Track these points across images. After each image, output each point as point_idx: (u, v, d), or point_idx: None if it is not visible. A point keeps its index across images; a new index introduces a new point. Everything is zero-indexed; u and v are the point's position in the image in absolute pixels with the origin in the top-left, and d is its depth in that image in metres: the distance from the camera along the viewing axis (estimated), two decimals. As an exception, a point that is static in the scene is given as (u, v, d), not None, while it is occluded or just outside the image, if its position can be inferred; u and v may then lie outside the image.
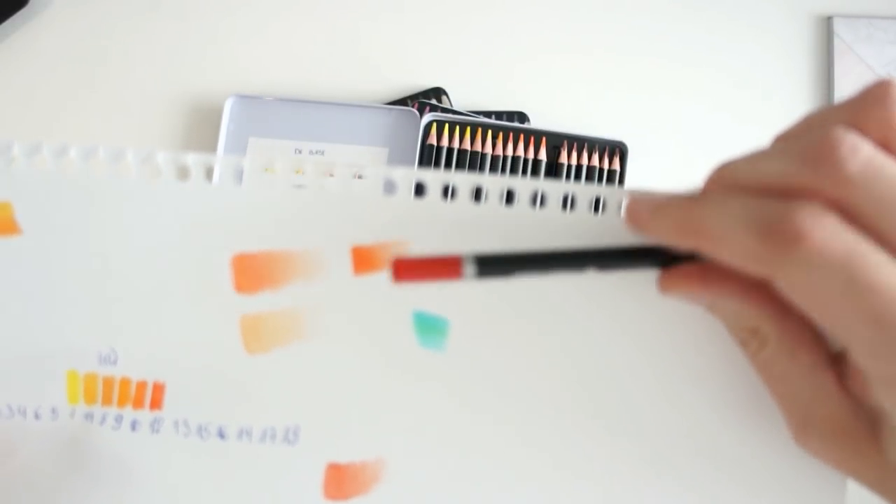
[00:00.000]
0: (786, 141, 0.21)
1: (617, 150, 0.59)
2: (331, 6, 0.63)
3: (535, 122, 0.61)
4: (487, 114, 0.60)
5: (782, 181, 0.19)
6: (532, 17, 0.64)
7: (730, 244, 0.20)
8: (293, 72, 0.63)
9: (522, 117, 0.61)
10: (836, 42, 0.63)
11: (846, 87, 0.63)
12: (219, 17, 0.63)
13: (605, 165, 0.58)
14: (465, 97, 0.62)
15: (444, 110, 0.60)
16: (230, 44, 0.63)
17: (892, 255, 0.18)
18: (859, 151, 0.18)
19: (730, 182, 0.21)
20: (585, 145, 0.59)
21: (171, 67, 0.63)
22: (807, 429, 0.22)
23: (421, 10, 0.63)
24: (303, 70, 0.63)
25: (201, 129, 0.62)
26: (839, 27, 0.63)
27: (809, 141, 0.19)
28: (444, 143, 0.58)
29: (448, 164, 0.58)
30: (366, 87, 0.63)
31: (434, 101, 0.60)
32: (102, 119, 0.62)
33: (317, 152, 0.60)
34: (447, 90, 0.62)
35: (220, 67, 0.63)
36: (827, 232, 0.18)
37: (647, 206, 0.22)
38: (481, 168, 0.58)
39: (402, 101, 0.61)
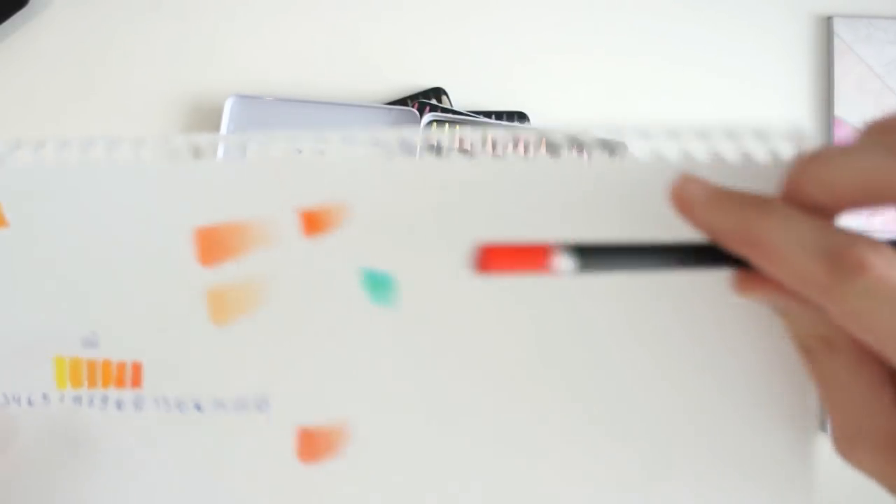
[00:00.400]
0: (880, 134, 0.20)
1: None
2: (331, 6, 0.63)
3: (536, 123, 0.61)
4: (487, 114, 0.60)
5: (876, 177, 0.19)
6: (532, 17, 0.64)
7: (789, 265, 0.19)
8: (293, 72, 0.63)
9: (522, 117, 0.61)
10: (836, 42, 0.63)
11: (846, 86, 0.63)
12: (219, 17, 0.63)
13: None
14: (465, 97, 0.62)
15: (445, 110, 0.59)
16: (230, 44, 0.63)
17: None
18: None
19: (822, 178, 0.20)
20: (585, 144, 0.58)
21: (172, 67, 0.63)
22: (856, 440, 0.21)
23: (421, 10, 0.63)
24: (303, 70, 0.63)
25: (201, 129, 0.62)
26: (839, 27, 0.63)
27: None
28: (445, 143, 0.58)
29: (448, 164, 0.58)
30: (366, 87, 0.63)
31: (434, 101, 0.60)
32: (102, 119, 0.62)
33: (317, 153, 0.60)
34: (447, 90, 0.62)
35: (220, 67, 0.63)
36: (887, 262, 0.18)
37: (703, 194, 0.21)
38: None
39: (402, 101, 0.61)
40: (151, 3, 0.63)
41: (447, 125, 0.59)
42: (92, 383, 0.26)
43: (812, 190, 0.20)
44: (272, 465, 0.26)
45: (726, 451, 0.25)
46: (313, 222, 0.25)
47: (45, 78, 0.62)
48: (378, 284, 0.25)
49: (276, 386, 0.26)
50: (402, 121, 0.59)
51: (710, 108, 0.64)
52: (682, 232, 0.21)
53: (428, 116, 0.58)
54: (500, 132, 0.25)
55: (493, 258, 0.19)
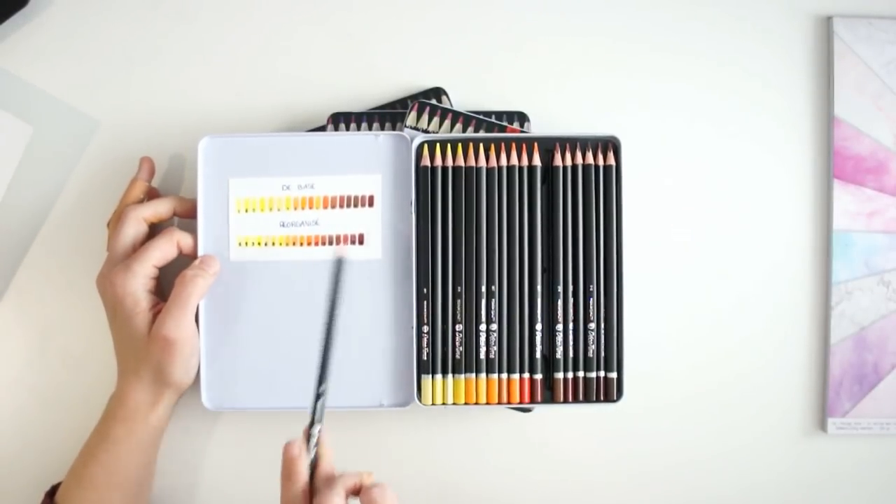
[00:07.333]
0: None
1: (610, 144, 0.58)
2: (330, 6, 0.63)
3: (536, 123, 0.61)
4: (487, 114, 0.60)
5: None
6: (532, 17, 0.64)
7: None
8: (293, 72, 0.63)
9: (523, 117, 0.61)
10: (836, 42, 0.63)
11: (846, 86, 0.63)
12: (218, 17, 0.63)
13: (601, 162, 0.58)
14: (465, 97, 0.62)
15: (445, 110, 0.59)
16: (229, 44, 0.63)
17: None
18: None
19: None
20: (578, 145, 0.58)
21: (172, 67, 0.63)
22: None
23: (421, 11, 0.63)
24: (303, 70, 0.63)
25: (201, 129, 0.62)
26: (839, 27, 0.63)
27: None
28: (438, 162, 0.58)
29: (444, 182, 0.58)
30: (366, 87, 0.63)
31: (434, 101, 0.60)
32: (103, 119, 0.62)
33: (306, 186, 0.58)
34: (447, 90, 0.62)
35: (220, 67, 0.63)
36: None
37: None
38: (478, 181, 0.58)
39: (402, 102, 0.61)
40: (151, 3, 0.63)
41: (438, 144, 0.58)
42: None
43: None
44: None
45: None
46: None
47: (45, 78, 0.62)
48: None
49: None
50: (393, 146, 0.58)
51: (709, 108, 0.64)
52: None
53: (418, 140, 0.58)
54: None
55: None
